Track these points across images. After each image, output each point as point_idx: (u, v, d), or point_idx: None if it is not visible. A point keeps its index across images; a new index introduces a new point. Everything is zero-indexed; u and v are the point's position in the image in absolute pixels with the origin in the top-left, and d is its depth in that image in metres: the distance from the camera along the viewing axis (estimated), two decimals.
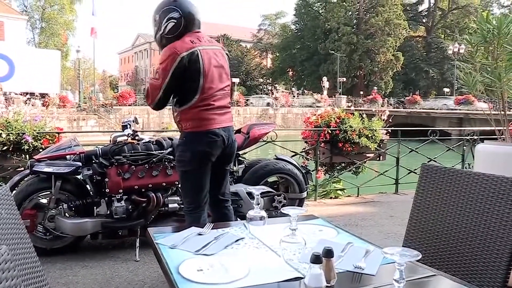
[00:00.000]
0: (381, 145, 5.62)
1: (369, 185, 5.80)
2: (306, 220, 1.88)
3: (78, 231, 3.12)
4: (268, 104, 32.00)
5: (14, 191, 3.02)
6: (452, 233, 1.73)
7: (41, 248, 3.04)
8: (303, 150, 5.49)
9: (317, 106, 25.48)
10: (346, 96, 35.56)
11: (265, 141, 4.59)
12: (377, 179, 5.89)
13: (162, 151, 3.24)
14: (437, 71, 46.43)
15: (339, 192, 5.61)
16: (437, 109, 28.78)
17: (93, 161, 3.15)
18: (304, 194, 3.89)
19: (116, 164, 3.12)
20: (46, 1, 44.69)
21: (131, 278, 2.80)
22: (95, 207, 3.18)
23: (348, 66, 44.36)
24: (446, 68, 44.92)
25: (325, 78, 37.62)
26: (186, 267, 1.35)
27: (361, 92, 41.45)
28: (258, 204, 1.70)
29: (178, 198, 3.26)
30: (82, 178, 3.22)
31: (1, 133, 4.01)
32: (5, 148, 4.03)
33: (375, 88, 40.89)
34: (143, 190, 3.17)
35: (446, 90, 39.93)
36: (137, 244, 3.15)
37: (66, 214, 3.13)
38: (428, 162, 5.56)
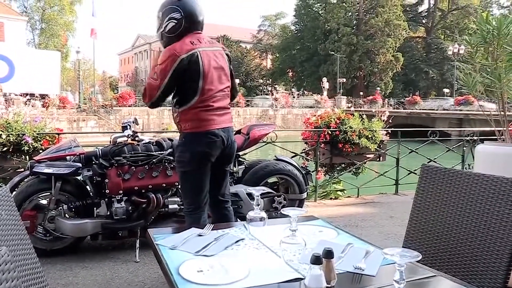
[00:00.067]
0: (381, 146, 5.61)
1: (369, 185, 5.79)
2: (306, 221, 1.88)
3: (78, 232, 3.12)
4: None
5: (14, 192, 3.02)
6: (452, 234, 1.73)
7: (41, 249, 3.03)
8: (303, 151, 5.50)
9: (317, 107, 25.52)
10: (346, 97, 35.56)
11: (265, 142, 4.59)
12: (377, 180, 5.89)
13: (162, 152, 3.24)
14: (437, 72, 46.46)
15: (339, 193, 5.61)
16: (436, 110, 28.78)
17: (93, 162, 3.15)
18: (304, 195, 3.89)
19: (116, 165, 3.12)
20: (46, 2, 44.73)
21: (131, 279, 2.80)
22: (95, 208, 3.17)
23: (348, 67, 44.39)
24: (446, 69, 44.95)
25: (325, 79, 37.56)
26: (186, 268, 1.35)
27: (361, 93, 41.47)
28: (258, 205, 1.70)
29: (178, 199, 3.26)
30: (82, 179, 3.22)
31: (1, 134, 4.01)
32: (5, 149, 4.04)
33: (378, 88, 40.90)
34: (143, 191, 3.17)
35: (446, 90, 39.92)
36: (137, 245, 3.14)
37: (66, 215, 3.12)
38: (428, 162, 5.56)
